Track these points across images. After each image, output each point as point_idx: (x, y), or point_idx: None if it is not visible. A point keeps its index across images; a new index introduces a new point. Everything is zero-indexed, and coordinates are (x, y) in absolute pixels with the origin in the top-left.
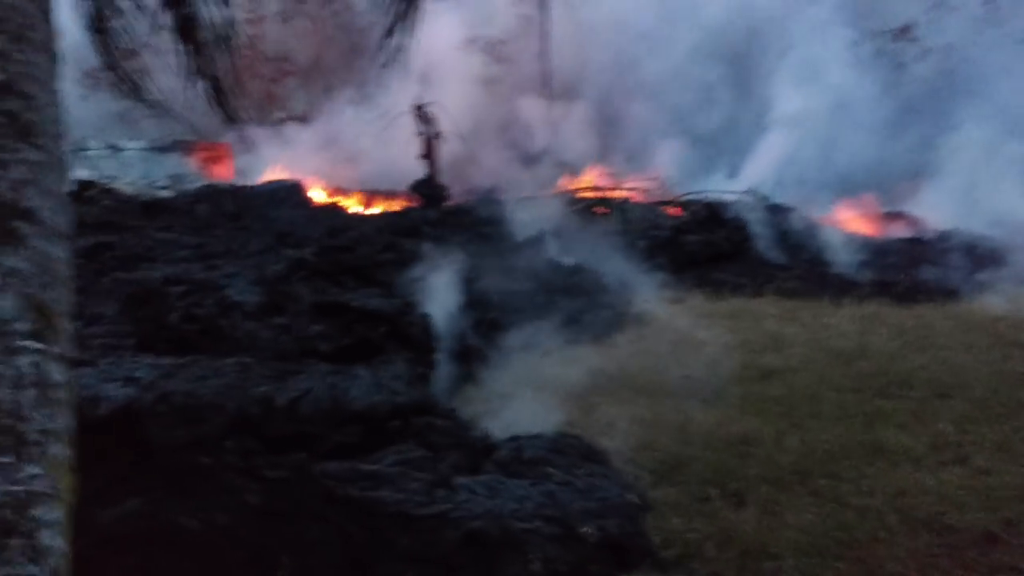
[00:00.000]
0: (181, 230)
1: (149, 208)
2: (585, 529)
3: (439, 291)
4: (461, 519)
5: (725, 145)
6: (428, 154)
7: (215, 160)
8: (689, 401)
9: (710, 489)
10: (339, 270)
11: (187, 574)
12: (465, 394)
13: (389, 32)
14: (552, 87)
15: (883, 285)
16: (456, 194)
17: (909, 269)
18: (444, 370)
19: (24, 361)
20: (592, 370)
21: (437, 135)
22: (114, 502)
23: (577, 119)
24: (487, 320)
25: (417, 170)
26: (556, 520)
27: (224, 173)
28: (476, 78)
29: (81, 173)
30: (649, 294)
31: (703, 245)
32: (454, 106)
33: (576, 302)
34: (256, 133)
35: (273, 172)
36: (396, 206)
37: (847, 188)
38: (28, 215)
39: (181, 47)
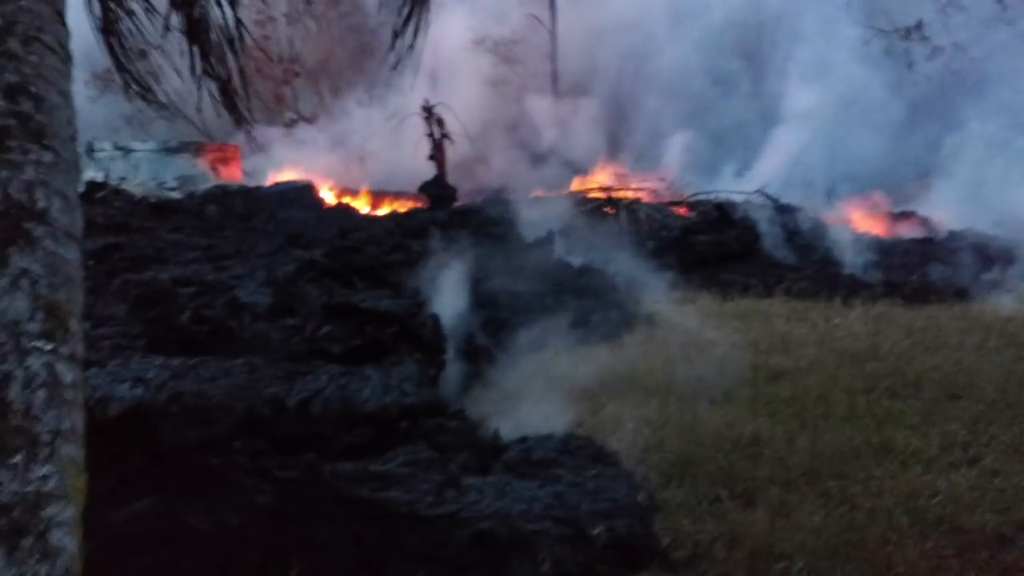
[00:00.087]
0: (191, 231)
1: (159, 209)
2: (595, 530)
3: (448, 292)
4: (470, 520)
5: (734, 144)
6: (436, 155)
7: (224, 161)
8: (699, 402)
9: (720, 490)
10: (349, 271)
11: (197, 574)
12: (474, 395)
13: (398, 33)
14: (560, 87)
15: (893, 285)
16: (465, 194)
17: (919, 269)
18: (453, 371)
19: (35, 362)
20: (601, 370)
21: (445, 136)
22: (125, 503)
23: (585, 119)
24: (496, 320)
25: (426, 171)
26: (565, 521)
27: (233, 174)
28: (484, 78)
29: (91, 174)
30: (658, 294)
31: (712, 245)
32: (462, 106)
33: (585, 302)
34: (265, 134)
35: (282, 173)
36: (404, 207)
37: (857, 188)
38: (39, 216)
39: (190, 49)
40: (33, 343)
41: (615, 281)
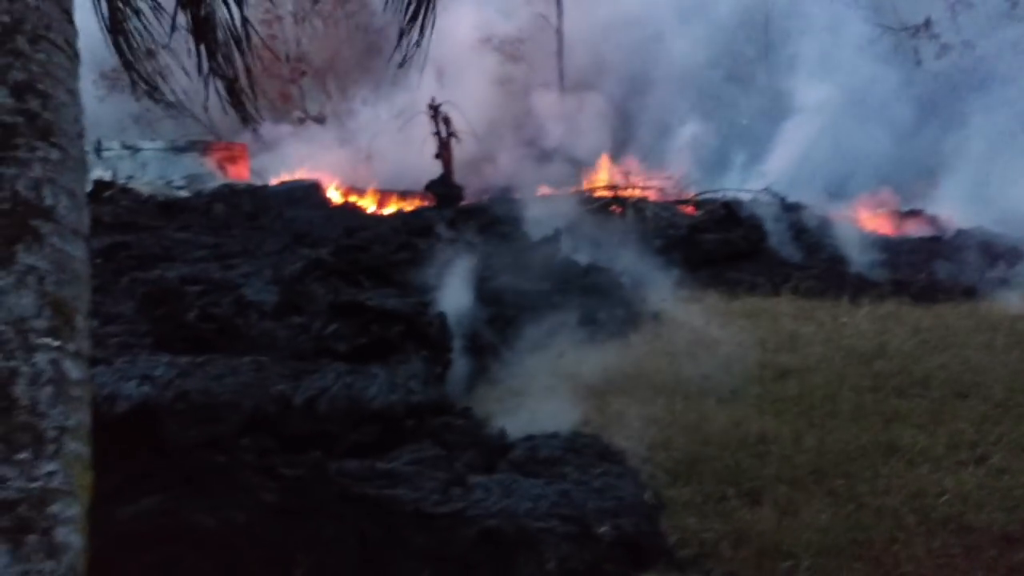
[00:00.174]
0: (198, 230)
1: (166, 208)
2: (601, 528)
3: (454, 290)
4: (476, 518)
5: (741, 143)
6: (443, 153)
7: (232, 160)
8: (705, 400)
9: (726, 488)
10: (355, 270)
11: (204, 572)
12: (480, 393)
13: (404, 31)
14: (566, 85)
15: (901, 284)
16: (471, 193)
17: (927, 268)
18: (460, 369)
19: (42, 358)
20: (608, 369)
21: (452, 134)
22: (131, 500)
23: (592, 117)
24: (502, 318)
25: (432, 170)
26: (571, 519)
27: (240, 173)
28: (491, 77)
29: (99, 173)
30: (665, 293)
31: (719, 244)
32: (469, 105)
33: (592, 301)
34: (272, 133)
35: (289, 172)
36: (411, 206)
37: (865, 186)
38: (46, 213)
39: (197, 48)
40: (40, 340)
41: (622, 279)
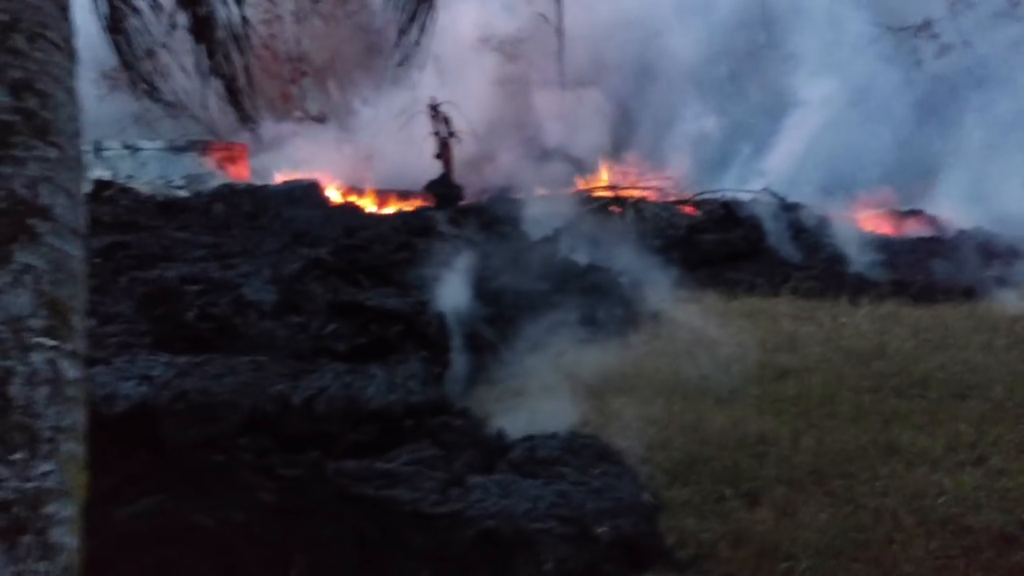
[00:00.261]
0: (197, 230)
1: (166, 208)
2: (599, 529)
3: (454, 290)
4: (475, 518)
5: (741, 142)
6: (443, 153)
7: (231, 160)
8: (704, 401)
9: (725, 489)
10: (355, 269)
11: (202, 572)
12: (479, 393)
13: (404, 30)
14: (567, 84)
15: (900, 284)
16: (471, 193)
17: (926, 268)
18: (458, 369)
19: (38, 358)
20: (607, 369)
21: (452, 134)
22: (129, 500)
23: (592, 116)
24: (502, 318)
25: (432, 169)
26: (570, 520)
27: (241, 173)
28: (491, 76)
29: (99, 173)
30: (664, 293)
31: (719, 244)
32: (469, 105)
33: (591, 301)
34: (272, 133)
35: (289, 172)
36: (411, 205)
37: (864, 185)
38: (43, 212)
39: (197, 47)
40: (35, 339)
41: (621, 279)
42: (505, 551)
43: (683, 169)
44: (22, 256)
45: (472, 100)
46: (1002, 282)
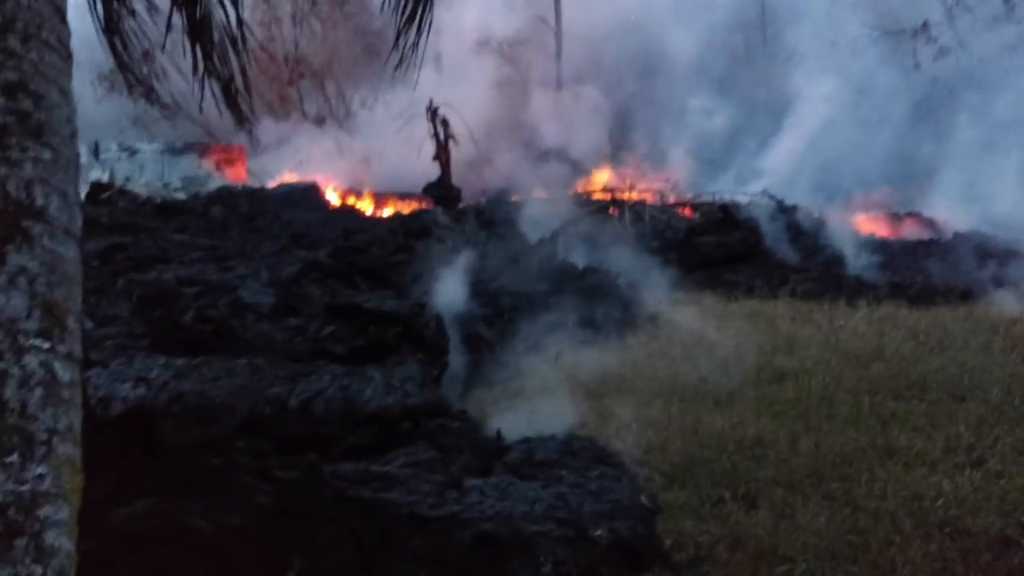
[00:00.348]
0: (195, 232)
1: (163, 210)
2: (597, 531)
3: (452, 292)
4: (472, 521)
5: (739, 145)
6: (441, 156)
7: (229, 162)
8: (702, 403)
9: (723, 491)
10: (352, 272)
11: (198, 574)
12: (477, 394)
13: (401, 32)
14: (565, 87)
15: (898, 287)
16: (469, 195)
17: (924, 270)
18: (456, 370)
19: (32, 360)
20: (605, 371)
21: (450, 137)
22: (125, 502)
23: (590, 119)
24: (500, 321)
25: (430, 172)
26: (567, 522)
27: (238, 175)
28: (489, 79)
29: (96, 175)
30: (662, 295)
31: (717, 246)
32: (468, 106)
33: (589, 303)
34: (270, 135)
35: (287, 174)
36: (409, 208)
37: (862, 188)
38: (38, 214)
39: (193, 48)
40: (30, 341)
41: (619, 282)
42: (503, 553)
43: (681, 171)
44: (16, 258)
45: (471, 102)
46: (999, 284)
